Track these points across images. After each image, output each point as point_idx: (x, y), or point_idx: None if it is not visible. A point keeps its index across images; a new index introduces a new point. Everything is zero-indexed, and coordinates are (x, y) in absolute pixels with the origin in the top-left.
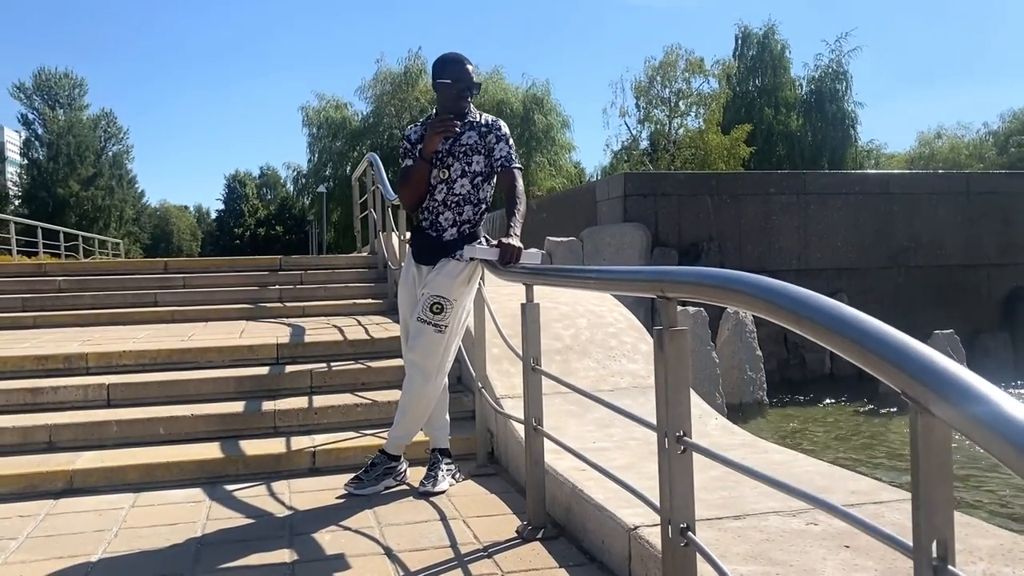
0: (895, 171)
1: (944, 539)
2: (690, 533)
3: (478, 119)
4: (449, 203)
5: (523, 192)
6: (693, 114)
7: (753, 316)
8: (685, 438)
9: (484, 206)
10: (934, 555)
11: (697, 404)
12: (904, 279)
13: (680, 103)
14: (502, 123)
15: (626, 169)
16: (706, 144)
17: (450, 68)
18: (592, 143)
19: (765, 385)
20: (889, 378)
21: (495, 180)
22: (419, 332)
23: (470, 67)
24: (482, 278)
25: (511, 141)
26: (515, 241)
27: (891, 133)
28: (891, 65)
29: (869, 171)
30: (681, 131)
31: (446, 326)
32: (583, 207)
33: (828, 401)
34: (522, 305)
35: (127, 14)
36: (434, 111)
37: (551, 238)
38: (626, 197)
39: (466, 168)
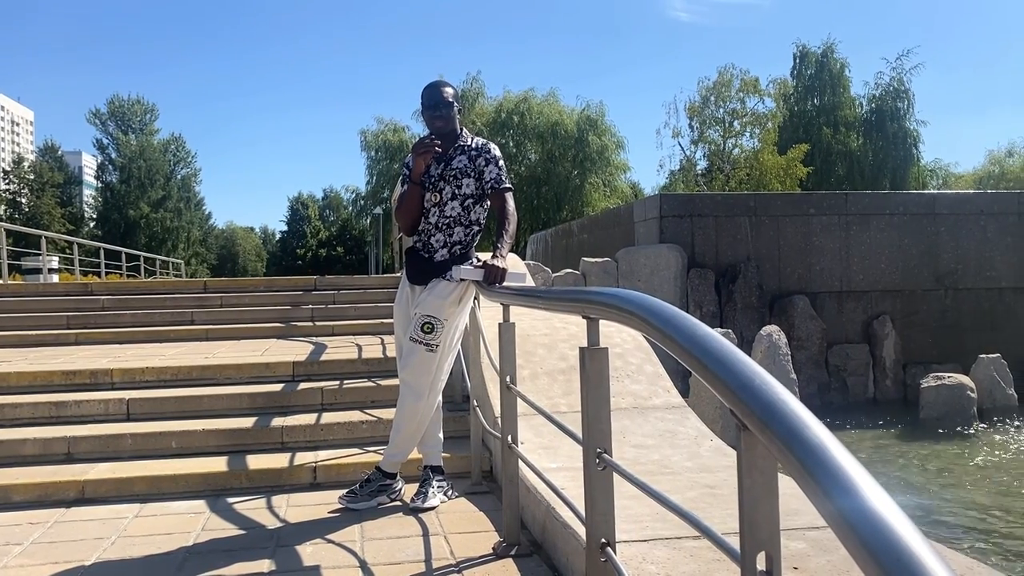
0: (941, 191)
1: (771, 553)
2: (609, 549)
3: (469, 143)
4: (440, 225)
5: (513, 213)
6: (748, 134)
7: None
8: (604, 455)
9: (476, 228)
10: (761, 567)
11: (694, 426)
12: (951, 301)
13: (735, 123)
14: (492, 146)
15: (682, 189)
16: (761, 164)
17: (425, 93)
18: (647, 163)
19: None
20: (722, 396)
21: (487, 203)
22: (411, 351)
23: (447, 89)
24: (476, 298)
25: (501, 163)
26: (500, 262)
27: (959, 152)
28: (961, 82)
29: (913, 191)
30: (736, 151)
31: (437, 345)
32: (622, 228)
33: (869, 426)
34: (499, 325)
35: (197, 41)
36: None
37: (586, 259)
38: (662, 218)
39: (456, 191)
